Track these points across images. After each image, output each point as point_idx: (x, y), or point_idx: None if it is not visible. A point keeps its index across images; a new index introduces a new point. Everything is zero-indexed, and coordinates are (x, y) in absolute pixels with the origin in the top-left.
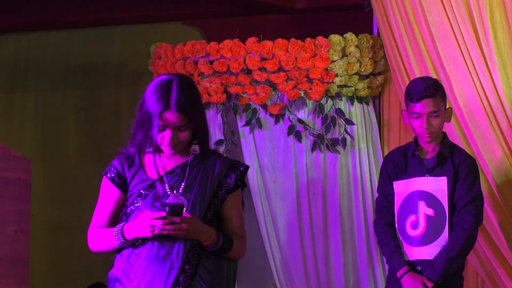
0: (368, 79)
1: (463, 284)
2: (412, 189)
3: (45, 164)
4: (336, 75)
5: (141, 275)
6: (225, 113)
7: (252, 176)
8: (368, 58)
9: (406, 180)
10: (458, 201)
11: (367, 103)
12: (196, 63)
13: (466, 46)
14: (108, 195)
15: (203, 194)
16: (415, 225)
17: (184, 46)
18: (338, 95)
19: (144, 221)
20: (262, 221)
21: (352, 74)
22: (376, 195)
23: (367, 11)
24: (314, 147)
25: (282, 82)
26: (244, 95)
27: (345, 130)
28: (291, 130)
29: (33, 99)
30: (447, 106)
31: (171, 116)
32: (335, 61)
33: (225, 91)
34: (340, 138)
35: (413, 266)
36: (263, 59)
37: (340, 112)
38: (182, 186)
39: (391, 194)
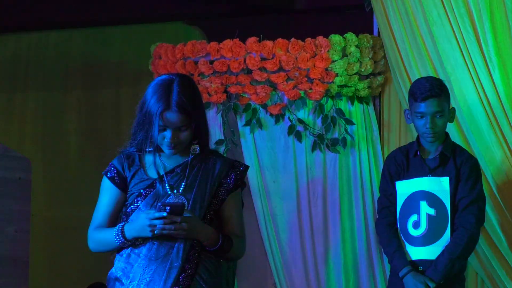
0: (368, 79)
1: (465, 285)
2: (414, 189)
3: (45, 164)
4: (337, 75)
5: (141, 275)
6: (225, 113)
7: (252, 176)
8: (368, 58)
9: (408, 180)
10: (460, 202)
11: (367, 103)
12: (196, 63)
13: (466, 46)
14: (108, 194)
15: (203, 194)
16: (417, 225)
17: (185, 46)
18: (338, 95)
19: (144, 221)
20: (262, 221)
21: (352, 74)
22: (376, 195)
23: (367, 11)
24: (314, 147)
25: (282, 82)
26: (244, 95)
27: (345, 130)
28: (291, 130)
29: (33, 99)
30: (450, 107)
31: (172, 116)
32: (335, 61)
33: (225, 91)
34: (340, 138)
35: (415, 266)
36: (263, 59)
37: (340, 112)
38: (182, 186)
39: (393, 194)
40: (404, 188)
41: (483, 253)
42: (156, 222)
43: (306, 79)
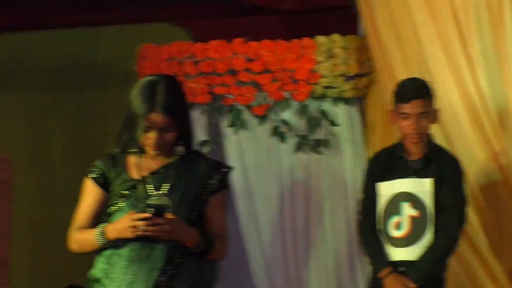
0: (354, 80)
1: (445, 285)
2: (397, 190)
3: (30, 165)
4: (322, 76)
5: (123, 276)
6: (210, 114)
7: (236, 177)
8: (353, 60)
9: (391, 181)
10: (443, 203)
11: (352, 104)
12: (181, 63)
13: (451, 47)
14: (90, 195)
15: (188, 195)
16: (399, 226)
17: (170, 47)
18: (323, 96)
19: (127, 222)
20: (245, 222)
21: (338, 75)
22: (360, 196)
23: (353, 13)
24: (298, 148)
25: (268, 83)
26: (229, 96)
27: (330, 131)
28: (275, 131)
29: (20, 100)
30: (434, 108)
31: (157, 117)
32: (321, 62)
33: (211, 92)
34: (324, 139)
35: (396, 267)
36: (249, 60)
37: (324, 113)
38: (166, 187)
39: (375, 195)
40: (387, 189)
41: (464, 255)
42: (139, 223)
43: (291, 80)
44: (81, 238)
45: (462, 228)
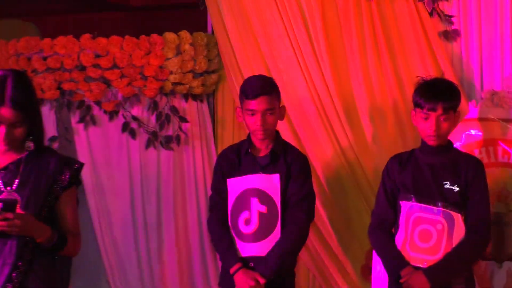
0: (203, 77)
1: (295, 280)
2: (245, 186)
3: None
4: (171, 73)
5: None
6: (58, 110)
7: (86, 173)
8: (202, 56)
9: (239, 177)
10: (290, 198)
11: (201, 101)
12: (29, 59)
13: (299, 45)
14: None
15: (38, 191)
16: (248, 222)
17: (18, 42)
18: (173, 92)
19: None
20: (96, 218)
21: (187, 72)
22: (209, 192)
23: (201, 9)
24: (149, 144)
25: (117, 79)
26: (78, 92)
27: (180, 127)
28: (125, 127)
29: None
30: (281, 105)
31: (6, 112)
32: (170, 58)
33: (59, 88)
34: (174, 135)
35: (246, 262)
36: (97, 56)
37: (174, 110)
38: (16, 183)
39: (225, 191)
40: (236, 185)
41: (315, 250)
42: None
43: (141, 76)
44: None
45: (310, 222)
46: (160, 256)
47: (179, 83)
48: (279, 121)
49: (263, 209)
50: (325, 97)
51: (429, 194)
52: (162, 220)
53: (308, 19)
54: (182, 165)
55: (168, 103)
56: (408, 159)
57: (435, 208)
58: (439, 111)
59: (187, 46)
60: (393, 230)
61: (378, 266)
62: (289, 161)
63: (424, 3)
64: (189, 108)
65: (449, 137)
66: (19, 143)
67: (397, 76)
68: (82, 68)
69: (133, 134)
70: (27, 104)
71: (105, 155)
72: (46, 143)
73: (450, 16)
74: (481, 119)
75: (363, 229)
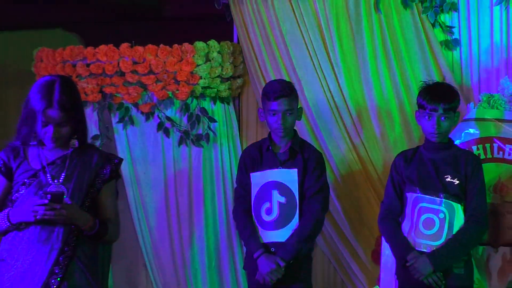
0: (229, 82)
1: (312, 263)
2: (267, 179)
3: None
4: (201, 78)
5: (24, 256)
6: (100, 111)
7: (125, 168)
8: (229, 63)
9: (261, 172)
10: (307, 191)
11: (228, 103)
12: (74, 65)
13: (315, 53)
14: None
15: (81, 183)
16: (269, 212)
17: (64, 50)
18: (202, 96)
19: (28, 207)
20: (133, 208)
21: (215, 77)
22: (235, 185)
23: (228, 21)
24: (181, 142)
25: (152, 84)
26: (117, 95)
27: (208, 126)
28: (160, 126)
29: None
30: (299, 106)
31: (54, 113)
32: (200, 65)
33: (101, 91)
34: (204, 134)
35: (268, 248)
36: (135, 62)
37: (204, 111)
38: (62, 176)
39: (248, 184)
40: (258, 179)
41: (330, 236)
42: (38, 208)
43: (174, 81)
44: None
45: (325, 212)
46: (190, 242)
47: (208, 87)
48: (297, 121)
49: (283, 200)
50: (339, 100)
51: (432, 187)
52: (192, 209)
53: (324, 30)
54: (210, 161)
55: (198, 105)
56: (413, 155)
57: (437, 199)
58: (440, 111)
59: (215, 54)
60: (400, 219)
61: (386, 251)
62: (306, 157)
63: (427, 15)
64: (217, 109)
65: (450, 136)
66: (65, 140)
67: (403, 80)
68: (121, 74)
69: (167, 133)
70: (72, 106)
71: (142, 151)
72: (89, 140)
73: (451, 27)
74: (478, 119)
75: (373, 218)
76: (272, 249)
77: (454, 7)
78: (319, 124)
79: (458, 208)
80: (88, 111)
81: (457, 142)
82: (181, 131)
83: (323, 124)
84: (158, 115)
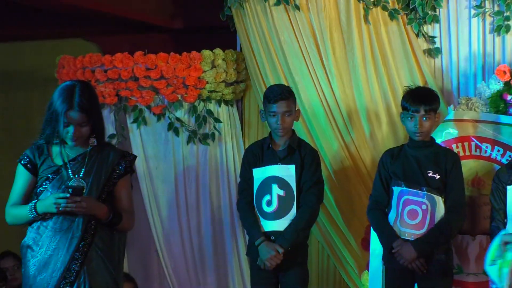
0: (233, 86)
1: (308, 250)
2: (267, 174)
3: None
4: (207, 82)
5: (48, 243)
6: (116, 113)
7: (139, 164)
8: (232, 69)
9: (262, 167)
10: (303, 185)
11: (232, 105)
12: (93, 71)
13: (310, 60)
14: (22, 178)
15: (99, 178)
16: (269, 203)
17: (84, 58)
18: (209, 99)
19: (52, 200)
20: (146, 200)
21: (220, 82)
22: (239, 179)
23: (232, 31)
24: (189, 140)
25: (163, 88)
26: (132, 98)
27: (214, 127)
28: (170, 126)
29: None
30: (296, 108)
31: (74, 114)
32: (206, 71)
33: (117, 95)
34: (210, 133)
35: (268, 236)
36: (148, 69)
37: (210, 112)
38: (82, 172)
39: (251, 179)
40: (260, 174)
41: (324, 226)
42: (61, 201)
43: (183, 85)
44: (16, 212)
45: (319, 204)
46: (198, 231)
47: (214, 91)
48: (295, 122)
49: (282, 193)
50: (332, 102)
51: (416, 181)
52: (200, 201)
53: (318, 39)
54: (216, 158)
55: (205, 107)
56: (398, 153)
57: (420, 192)
58: (422, 112)
59: (220, 61)
60: (386, 210)
61: (375, 239)
62: (303, 154)
63: (412, 26)
64: (222, 111)
65: (432, 135)
66: (84, 139)
67: (390, 85)
68: (136, 79)
69: (176, 132)
70: (91, 108)
71: (154, 149)
72: (106, 139)
73: (433, 37)
74: (457, 120)
75: (362, 209)
76: (272, 237)
77: (436, 19)
78: (314, 124)
79: (439, 200)
80: (105, 112)
81: (438, 141)
82: (189, 131)
83: (317, 124)
84: (168, 116)
